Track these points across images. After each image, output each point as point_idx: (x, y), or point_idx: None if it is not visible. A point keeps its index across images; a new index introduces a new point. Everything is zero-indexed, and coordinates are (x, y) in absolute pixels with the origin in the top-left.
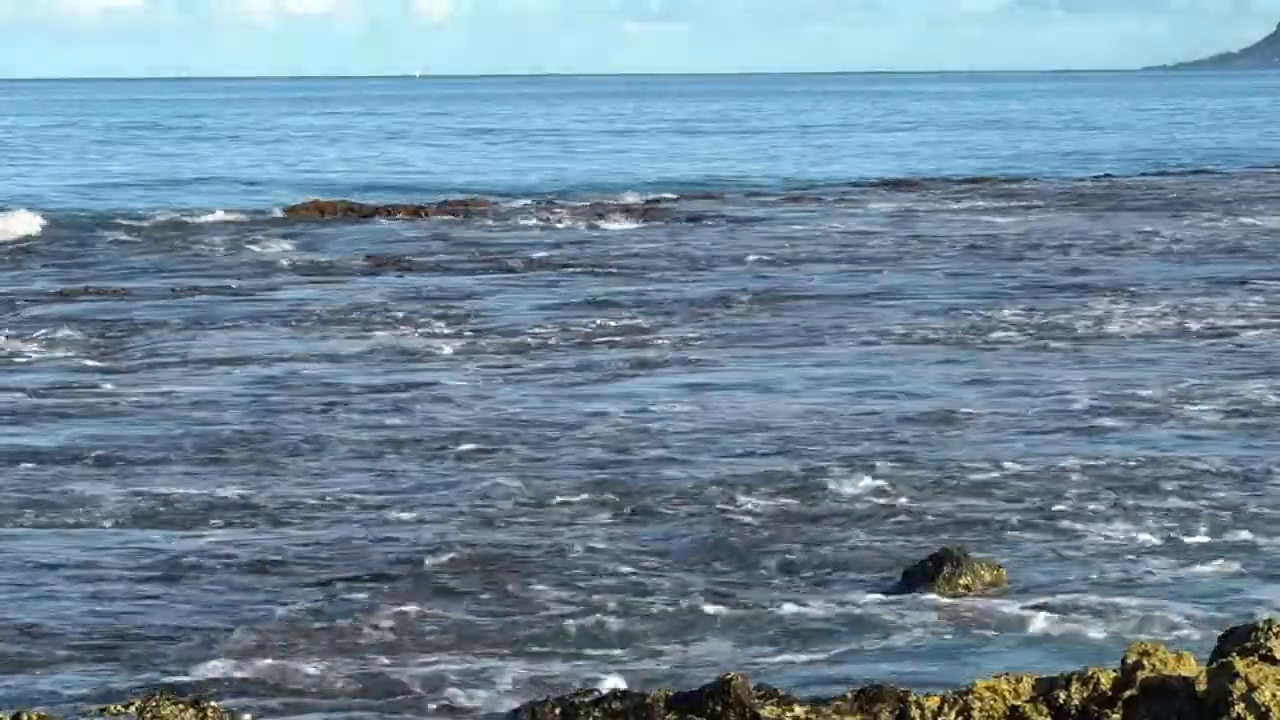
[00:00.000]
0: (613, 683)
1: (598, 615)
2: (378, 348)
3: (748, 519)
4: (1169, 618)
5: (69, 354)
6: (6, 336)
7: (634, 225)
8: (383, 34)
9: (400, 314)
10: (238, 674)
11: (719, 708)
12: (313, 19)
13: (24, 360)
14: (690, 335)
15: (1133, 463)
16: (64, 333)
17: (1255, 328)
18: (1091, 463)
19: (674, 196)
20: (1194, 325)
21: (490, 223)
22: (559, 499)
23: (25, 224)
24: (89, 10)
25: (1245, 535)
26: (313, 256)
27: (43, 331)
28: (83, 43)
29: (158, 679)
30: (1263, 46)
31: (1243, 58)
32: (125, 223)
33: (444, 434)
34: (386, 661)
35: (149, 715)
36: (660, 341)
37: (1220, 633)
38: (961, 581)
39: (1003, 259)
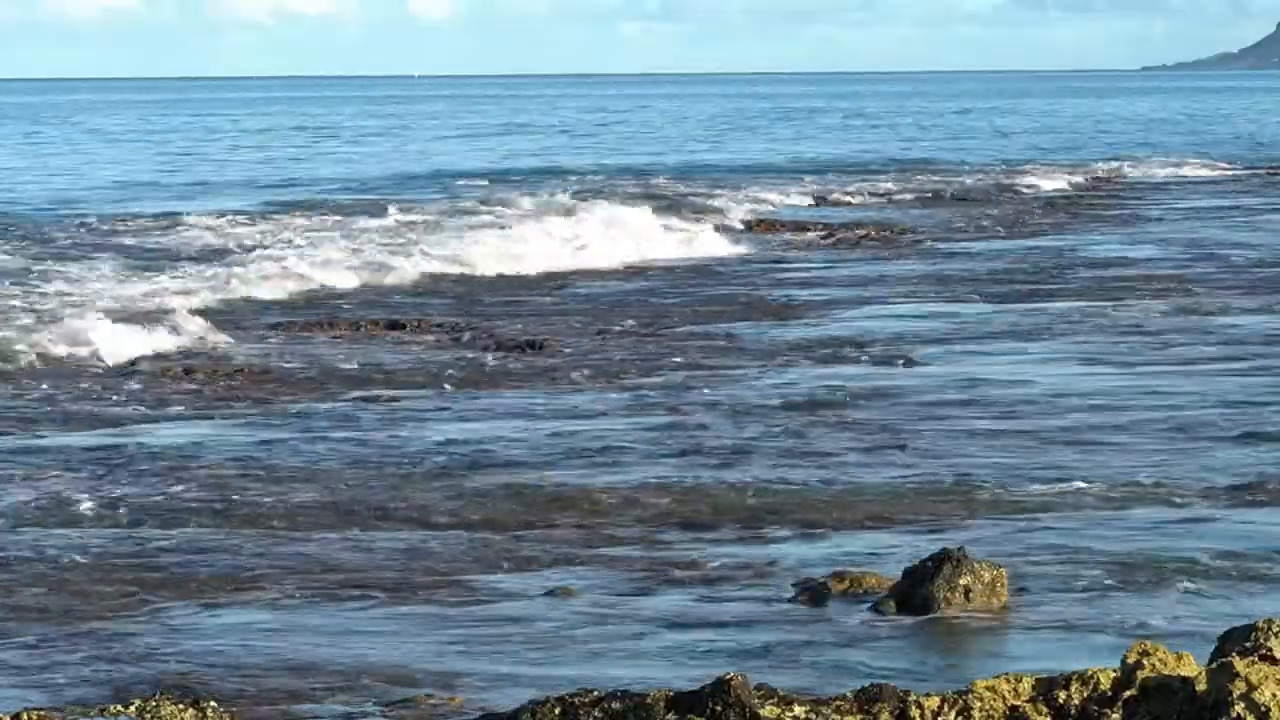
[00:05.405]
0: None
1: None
2: None
3: None
4: None
5: None
6: None
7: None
8: (382, 34)
9: None
10: None
11: (719, 708)
12: (312, 19)
13: None
14: None
15: None
16: None
17: None
18: None
19: None
20: None
21: None
22: None
23: None
24: (89, 10)
25: None
26: None
27: None
28: (83, 43)
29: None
30: (1262, 46)
31: (1242, 58)
32: None
33: None
34: None
35: (149, 715)
36: None
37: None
38: (962, 581)
39: None
